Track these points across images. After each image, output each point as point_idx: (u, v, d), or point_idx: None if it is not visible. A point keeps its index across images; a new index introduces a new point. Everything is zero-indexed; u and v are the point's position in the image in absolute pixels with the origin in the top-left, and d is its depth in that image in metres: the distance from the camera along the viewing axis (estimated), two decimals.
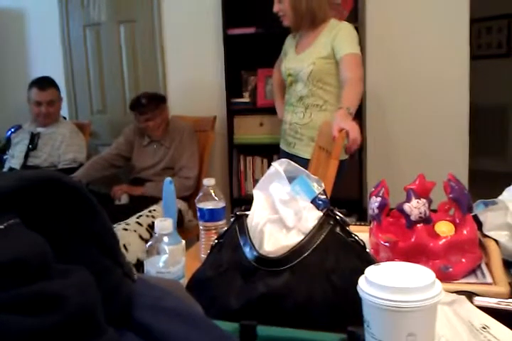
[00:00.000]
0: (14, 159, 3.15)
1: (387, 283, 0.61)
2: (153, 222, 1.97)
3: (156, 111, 2.95)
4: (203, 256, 1.25)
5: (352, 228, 0.89)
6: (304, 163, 2.10)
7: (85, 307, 0.29)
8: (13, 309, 0.26)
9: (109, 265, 0.36)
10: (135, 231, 1.90)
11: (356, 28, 2.46)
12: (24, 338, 0.26)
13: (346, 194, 2.79)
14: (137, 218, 2.01)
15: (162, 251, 0.96)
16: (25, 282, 0.27)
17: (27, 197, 0.31)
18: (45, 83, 3.13)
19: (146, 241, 1.89)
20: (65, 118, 3.43)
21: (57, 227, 0.33)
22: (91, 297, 0.30)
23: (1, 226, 0.29)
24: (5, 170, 3.12)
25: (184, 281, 0.96)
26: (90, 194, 0.36)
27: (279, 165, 0.90)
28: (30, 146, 3.13)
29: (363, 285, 0.64)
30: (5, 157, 3.22)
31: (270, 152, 3.10)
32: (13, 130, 3.29)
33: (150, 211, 2.07)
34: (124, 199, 2.95)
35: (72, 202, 0.34)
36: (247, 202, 0.90)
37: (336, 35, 2.33)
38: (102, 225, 0.36)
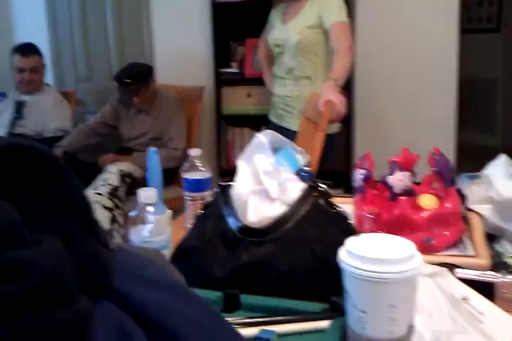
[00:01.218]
0: (0, 128, 3.11)
1: (367, 254, 0.61)
2: (112, 189, 1.97)
3: (142, 88, 2.87)
4: (189, 226, 1.25)
5: (337, 200, 0.89)
6: (293, 135, 2.09)
7: (55, 274, 0.29)
8: None
9: (84, 233, 0.36)
10: (98, 202, 1.89)
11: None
12: None
13: (334, 166, 2.80)
14: (94, 189, 2.00)
15: (147, 221, 0.95)
16: None
17: None
18: (27, 50, 3.07)
19: (110, 209, 1.89)
20: (48, 84, 3.36)
21: (28, 196, 0.32)
22: (61, 265, 0.30)
23: None
24: None
25: (170, 251, 0.96)
26: (63, 162, 0.35)
27: (263, 136, 0.89)
28: (17, 115, 3.09)
29: (344, 256, 0.64)
30: None
31: (258, 123, 3.08)
32: None
33: (104, 180, 2.05)
34: None
35: (45, 170, 0.33)
36: (236, 173, 0.90)
37: (323, 4, 2.29)
38: (76, 193, 0.35)
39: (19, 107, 3.10)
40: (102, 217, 1.98)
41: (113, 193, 2.00)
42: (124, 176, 2.07)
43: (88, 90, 3.72)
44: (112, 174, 2.09)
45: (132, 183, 2.38)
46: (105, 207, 1.91)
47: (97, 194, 1.96)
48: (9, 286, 0.27)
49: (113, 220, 1.92)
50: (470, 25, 4.98)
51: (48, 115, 3.10)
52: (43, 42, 3.49)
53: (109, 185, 2.02)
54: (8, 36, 3.80)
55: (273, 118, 2.60)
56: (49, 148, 0.33)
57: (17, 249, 0.28)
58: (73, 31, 3.72)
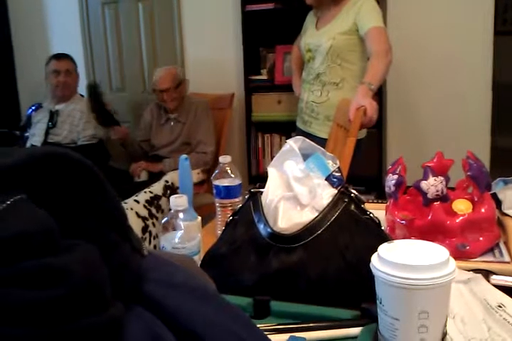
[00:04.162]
0: (35, 137, 3.18)
1: (399, 261, 0.61)
2: (151, 197, 1.97)
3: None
4: (219, 232, 1.25)
5: (369, 206, 0.88)
6: (319, 142, 2.07)
7: (90, 281, 0.29)
8: (17, 283, 0.27)
9: (118, 240, 0.36)
10: (131, 209, 1.89)
11: (378, 3, 2.40)
12: (28, 311, 0.26)
13: (366, 171, 2.78)
14: (136, 195, 2.00)
15: (178, 227, 0.96)
16: (30, 257, 0.28)
17: (33, 174, 0.31)
18: (61, 54, 3.21)
19: (144, 218, 1.90)
20: (83, 95, 3.43)
21: (64, 203, 0.33)
22: (96, 271, 0.31)
23: (8, 202, 0.29)
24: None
25: (200, 257, 0.97)
26: (98, 169, 0.36)
27: (293, 143, 0.89)
28: (50, 124, 3.16)
29: (376, 262, 0.63)
30: (26, 134, 3.26)
31: (288, 130, 3.08)
32: (33, 108, 3.31)
33: (149, 187, 2.06)
34: (143, 176, 2.99)
35: (79, 177, 0.34)
36: (265, 179, 0.90)
37: (359, 10, 2.27)
38: (110, 200, 0.36)
39: (53, 116, 3.17)
40: (134, 225, 1.99)
41: (152, 202, 2.00)
42: (167, 187, 2.08)
43: (121, 100, 3.79)
44: (158, 183, 2.11)
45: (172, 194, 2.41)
46: (138, 216, 1.92)
47: (135, 201, 1.97)
48: (46, 292, 0.27)
49: (144, 230, 1.92)
50: (505, 27, 4.87)
51: (81, 123, 3.16)
52: (77, 55, 3.57)
53: (151, 193, 2.03)
54: (43, 48, 3.90)
55: (299, 125, 2.59)
56: (83, 155, 0.34)
57: (53, 256, 0.29)
58: (107, 43, 3.80)
